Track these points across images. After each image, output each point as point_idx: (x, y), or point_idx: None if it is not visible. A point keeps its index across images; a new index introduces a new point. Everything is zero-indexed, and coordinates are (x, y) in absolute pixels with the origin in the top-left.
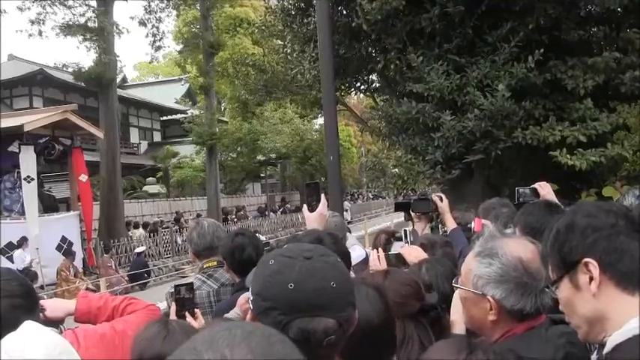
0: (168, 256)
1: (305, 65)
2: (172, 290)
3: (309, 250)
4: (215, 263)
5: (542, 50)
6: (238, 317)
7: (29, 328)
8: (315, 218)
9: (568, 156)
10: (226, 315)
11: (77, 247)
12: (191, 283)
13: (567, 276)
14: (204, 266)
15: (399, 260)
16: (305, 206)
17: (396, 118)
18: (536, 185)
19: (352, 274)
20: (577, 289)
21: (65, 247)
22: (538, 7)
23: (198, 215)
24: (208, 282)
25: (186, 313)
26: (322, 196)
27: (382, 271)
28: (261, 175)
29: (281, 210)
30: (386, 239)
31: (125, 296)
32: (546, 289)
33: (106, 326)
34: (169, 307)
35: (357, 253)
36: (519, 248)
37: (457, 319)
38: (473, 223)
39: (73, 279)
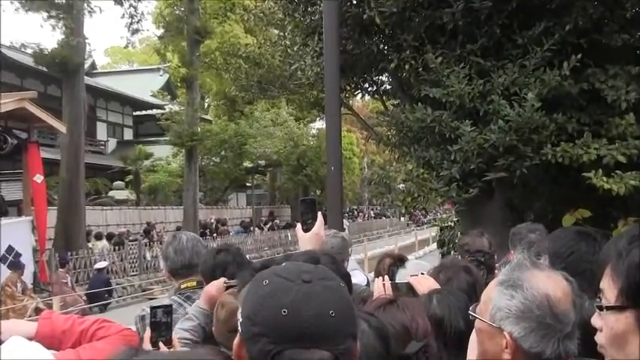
0: (135, 273)
1: (307, 60)
2: (145, 313)
3: (308, 272)
4: (194, 283)
5: (579, 56)
6: (200, 314)
7: (17, 342)
8: (309, 239)
9: (604, 178)
10: (189, 314)
11: (27, 259)
12: (170, 306)
13: (633, 311)
14: (182, 287)
15: (410, 290)
16: (298, 225)
17: (408, 126)
18: None
19: None
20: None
21: (11, 259)
22: (577, 6)
23: (179, 228)
24: (186, 305)
25: (161, 342)
26: (319, 213)
27: (383, 300)
28: (247, 184)
29: (268, 226)
30: (391, 264)
31: (96, 318)
32: (596, 303)
33: (70, 354)
34: (140, 333)
35: (357, 279)
36: (549, 284)
37: None
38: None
39: (19, 296)
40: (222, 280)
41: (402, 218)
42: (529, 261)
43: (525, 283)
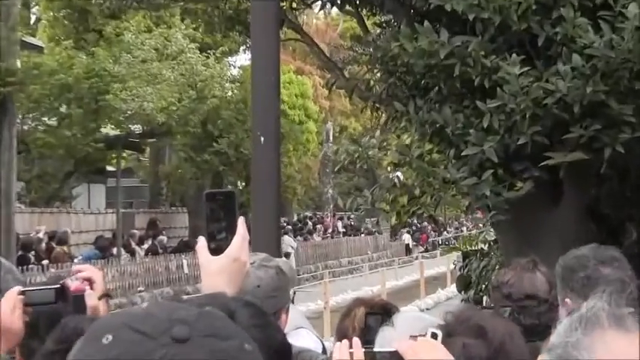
0: None
1: None
2: None
3: (184, 323)
4: None
5: None
6: None
7: None
8: (221, 269)
9: None
10: None
11: None
12: None
13: None
14: None
15: None
16: (201, 242)
17: (405, 65)
18: None
19: None
20: None
21: None
22: None
23: None
24: None
25: None
26: (240, 221)
27: None
28: (109, 168)
29: (147, 246)
30: (367, 314)
31: None
32: None
33: None
34: None
35: (303, 343)
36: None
37: None
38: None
39: None
40: (17, 289)
41: (406, 236)
42: (608, 312)
43: (585, 355)
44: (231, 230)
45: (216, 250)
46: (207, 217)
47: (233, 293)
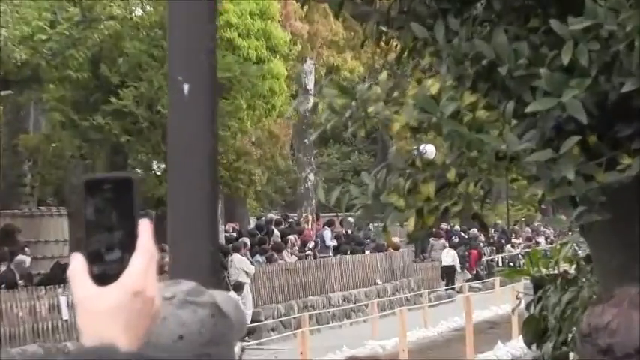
0: None
1: None
2: None
3: None
4: None
5: None
6: None
7: None
8: (113, 308)
9: None
10: None
11: None
12: None
13: None
14: None
15: None
16: (78, 263)
17: None
18: None
19: None
20: None
21: None
22: None
23: None
24: None
25: None
26: (143, 228)
27: None
28: None
29: None
30: None
31: None
32: None
33: None
34: None
35: None
36: None
37: None
38: None
39: None
40: None
41: (445, 253)
42: None
43: None
44: (129, 244)
45: (103, 278)
46: (87, 223)
47: (132, 347)
